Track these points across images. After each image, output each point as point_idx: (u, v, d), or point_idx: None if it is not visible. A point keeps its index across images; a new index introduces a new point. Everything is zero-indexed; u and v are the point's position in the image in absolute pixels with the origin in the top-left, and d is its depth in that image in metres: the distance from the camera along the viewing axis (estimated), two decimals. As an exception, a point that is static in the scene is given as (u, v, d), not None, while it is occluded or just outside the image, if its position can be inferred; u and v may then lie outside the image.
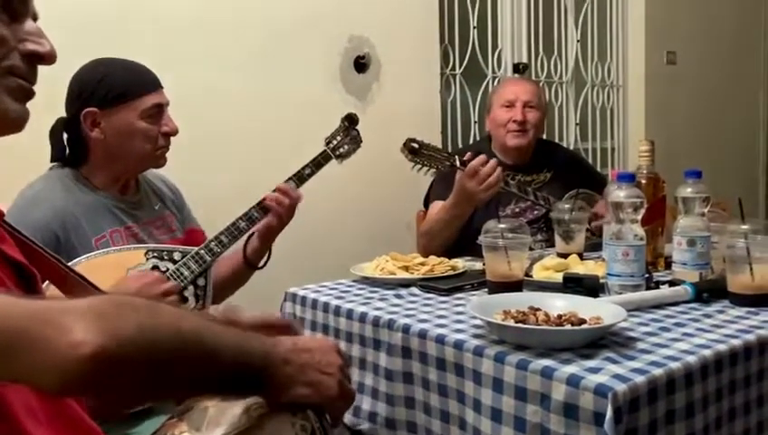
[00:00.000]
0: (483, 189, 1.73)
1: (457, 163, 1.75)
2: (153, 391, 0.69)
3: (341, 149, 1.65)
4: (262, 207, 1.54)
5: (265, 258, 1.62)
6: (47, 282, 0.96)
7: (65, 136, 1.46)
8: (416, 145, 1.71)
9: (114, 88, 1.41)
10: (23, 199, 1.40)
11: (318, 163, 1.61)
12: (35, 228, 1.30)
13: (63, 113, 1.45)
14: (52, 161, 1.47)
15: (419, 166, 1.73)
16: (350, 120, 1.68)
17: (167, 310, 0.68)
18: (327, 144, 1.64)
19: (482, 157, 1.76)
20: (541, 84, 3.16)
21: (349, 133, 1.67)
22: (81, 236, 1.39)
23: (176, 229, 1.59)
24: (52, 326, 0.59)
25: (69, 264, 1.04)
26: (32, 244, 0.91)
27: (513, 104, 2.11)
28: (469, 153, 1.79)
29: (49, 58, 0.75)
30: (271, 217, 1.54)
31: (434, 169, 1.76)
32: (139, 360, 0.63)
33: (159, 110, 1.46)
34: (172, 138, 1.50)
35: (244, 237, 1.56)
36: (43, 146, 1.44)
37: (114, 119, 1.42)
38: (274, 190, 1.55)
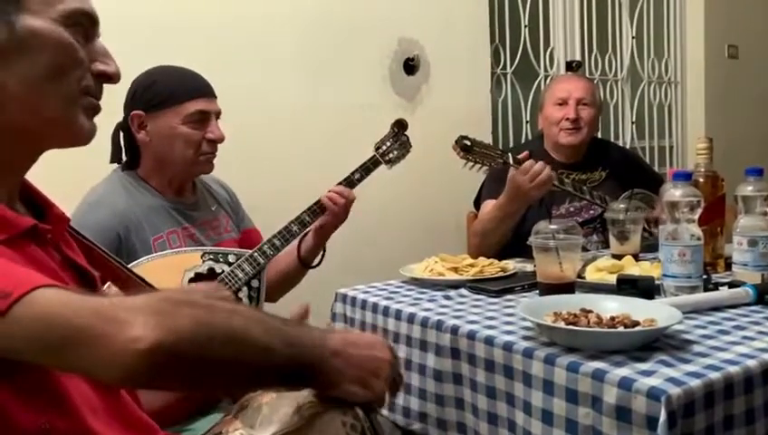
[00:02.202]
0: (534, 186, 1.71)
1: (510, 160, 1.74)
2: (207, 383, 0.72)
3: (391, 155, 1.67)
4: (313, 210, 1.58)
5: (319, 257, 1.65)
6: (108, 283, 1.01)
7: (122, 139, 1.52)
8: (468, 142, 1.70)
9: (160, 92, 1.47)
10: (86, 204, 1.47)
11: (367, 168, 1.63)
12: (98, 230, 1.36)
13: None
14: (110, 162, 1.54)
15: (471, 163, 1.72)
16: (400, 126, 1.69)
17: (221, 307, 0.71)
18: (376, 149, 1.66)
19: (533, 160, 1.75)
20: (595, 82, 3.09)
21: (398, 139, 1.68)
22: (140, 236, 1.44)
23: (231, 230, 1.64)
24: (112, 322, 0.63)
25: (129, 265, 1.08)
26: (95, 247, 0.95)
27: (566, 102, 2.08)
28: (525, 152, 1.78)
29: (116, 78, 0.79)
30: (327, 215, 1.58)
31: (486, 167, 1.75)
32: (194, 354, 0.65)
33: (204, 116, 1.49)
34: (226, 142, 1.54)
35: (299, 237, 1.59)
36: (99, 150, 1.50)
37: (158, 122, 1.47)
38: (330, 191, 1.59)
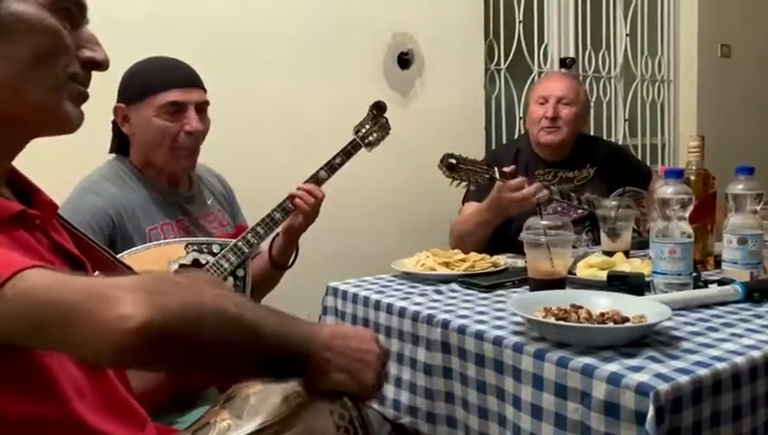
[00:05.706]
0: (515, 205, 1.73)
1: (497, 175, 1.74)
2: (195, 366, 0.71)
3: (370, 138, 1.66)
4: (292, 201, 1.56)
5: (293, 257, 1.63)
6: (97, 272, 1.00)
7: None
8: (453, 161, 1.68)
9: (138, 84, 1.45)
10: (80, 190, 1.45)
11: (348, 152, 1.61)
12: (92, 213, 1.36)
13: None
14: (110, 152, 1.54)
15: (458, 181, 1.71)
16: (379, 108, 1.68)
17: (211, 290, 0.70)
18: (356, 133, 1.65)
19: (523, 179, 1.75)
20: (588, 79, 3.10)
21: (377, 121, 1.67)
22: (135, 224, 1.43)
23: (227, 224, 1.62)
24: (101, 299, 0.62)
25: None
26: (84, 237, 0.94)
27: (546, 100, 2.08)
28: (513, 166, 1.78)
29: (104, 65, 0.79)
30: (297, 215, 1.56)
31: (473, 183, 1.74)
32: (183, 335, 0.65)
33: (179, 108, 1.44)
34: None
35: (269, 239, 1.57)
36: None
37: (138, 114, 1.45)
38: (298, 189, 1.56)
